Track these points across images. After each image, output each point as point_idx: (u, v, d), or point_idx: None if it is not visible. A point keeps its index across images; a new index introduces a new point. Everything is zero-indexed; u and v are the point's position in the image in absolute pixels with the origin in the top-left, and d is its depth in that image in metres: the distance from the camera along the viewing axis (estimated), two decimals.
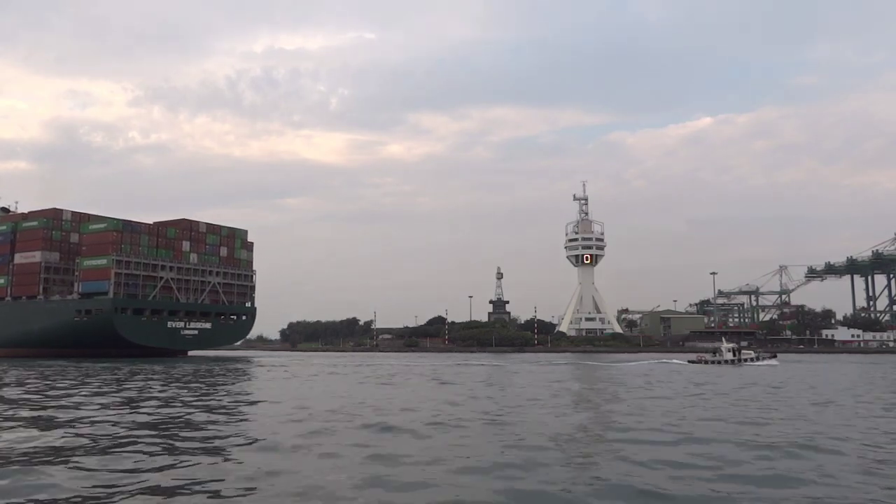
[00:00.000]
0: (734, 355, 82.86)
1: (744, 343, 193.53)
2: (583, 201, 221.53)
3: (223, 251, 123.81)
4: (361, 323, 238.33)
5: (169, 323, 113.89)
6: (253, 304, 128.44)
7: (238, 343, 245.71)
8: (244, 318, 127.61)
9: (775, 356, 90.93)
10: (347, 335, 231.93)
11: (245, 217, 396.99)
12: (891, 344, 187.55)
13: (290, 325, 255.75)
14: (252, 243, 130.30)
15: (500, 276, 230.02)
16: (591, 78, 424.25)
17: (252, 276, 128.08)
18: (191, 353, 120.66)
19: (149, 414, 24.21)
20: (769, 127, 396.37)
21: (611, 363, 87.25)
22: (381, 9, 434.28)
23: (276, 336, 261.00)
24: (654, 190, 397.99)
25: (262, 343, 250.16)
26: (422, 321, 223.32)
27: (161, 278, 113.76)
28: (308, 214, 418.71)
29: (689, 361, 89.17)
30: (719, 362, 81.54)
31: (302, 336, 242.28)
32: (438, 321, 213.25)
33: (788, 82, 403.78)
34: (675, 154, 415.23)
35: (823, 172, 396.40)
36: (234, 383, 44.04)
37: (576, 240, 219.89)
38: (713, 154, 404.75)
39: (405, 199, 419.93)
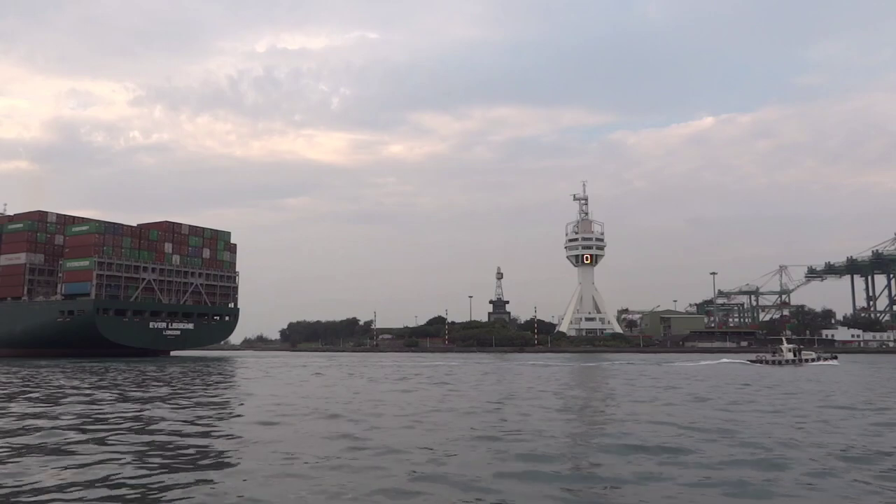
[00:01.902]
0: (794, 355, 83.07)
1: (744, 343, 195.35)
2: (583, 201, 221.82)
3: (206, 253, 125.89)
4: (361, 323, 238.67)
5: (151, 323, 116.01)
6: (236, 304, 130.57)
7: (238, 343, 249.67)
8: (227, 318, 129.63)
9: (836, 357, 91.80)
10: (347, 335, 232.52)
11: (246, 217, 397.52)
12: (891, 344, 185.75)
13: (290, 325, 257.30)
14: (235, 245, 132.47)
15: (500, 276, 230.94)
16: (593, 78, 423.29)
17: (235, 278, 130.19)
18: (173, 353, 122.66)
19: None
20: (771, 127, 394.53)
21: (665, 363, 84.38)
22: (383, 8, 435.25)
23: (276, 336, 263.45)
24: (655, 190, 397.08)
25: (263, 343, 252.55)
26: (422, 321, 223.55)
27: (143, 279, 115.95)
28: (309, 214, 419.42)
29: (749, 361, 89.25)
30: (780, 362, 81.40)
31: (302, 336, 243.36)
32: (438, 321, 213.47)
33: (791, 82, 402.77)
34: (677, 154, 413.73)
35: (825, 172, 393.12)
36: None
37: (576, 240, 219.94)
38: (715, 154, 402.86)
39: (406, 198, 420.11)
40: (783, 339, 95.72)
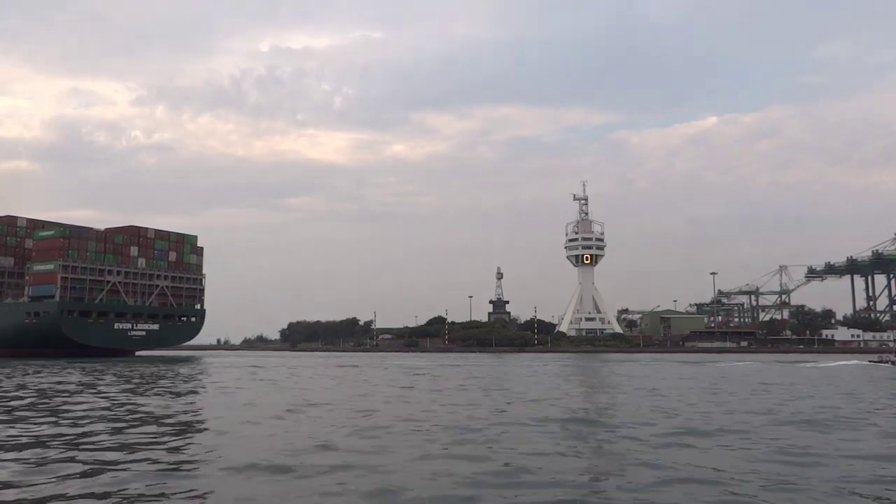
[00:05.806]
0: None
1: (744, 343, 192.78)
2: (583, 201, 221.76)
3: (172, 256, 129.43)
4: (361, 323, 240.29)
5: (116, 324, 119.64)
6: (202, 306, 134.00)
7: (238, 343, 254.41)
8: (193, 319, 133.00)
9: None
10: (347, 335, 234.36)
11: (247, 216, 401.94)
12: (891, 344, 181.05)
13: (290, 325, 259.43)
14: (202, 248, 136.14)
15: (500, 276, 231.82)
16: (596, 77, 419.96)
17: (201, 280, 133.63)
18: (139, 353, 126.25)
19: None
20: (774, 126, 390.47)
21: (800, 363, 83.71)
22: (386, 8, 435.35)
23: (276, 336, 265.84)
24: (657, 190, 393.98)
25: (262, 343, 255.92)
26: (422, 321, 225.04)
27: (108, 282, 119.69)
28: (310, 214, 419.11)
29: (870, 362, 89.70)
30: None
31: (302, 336, 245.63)
32: (438, 321, 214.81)
33: (794, 81, 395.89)
34: (680, 154, 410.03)
35: (827, 172, 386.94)
36: None
37: (576, 240, 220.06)
38: (717, 154, 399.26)
39: (408, 198, 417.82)
40: None
